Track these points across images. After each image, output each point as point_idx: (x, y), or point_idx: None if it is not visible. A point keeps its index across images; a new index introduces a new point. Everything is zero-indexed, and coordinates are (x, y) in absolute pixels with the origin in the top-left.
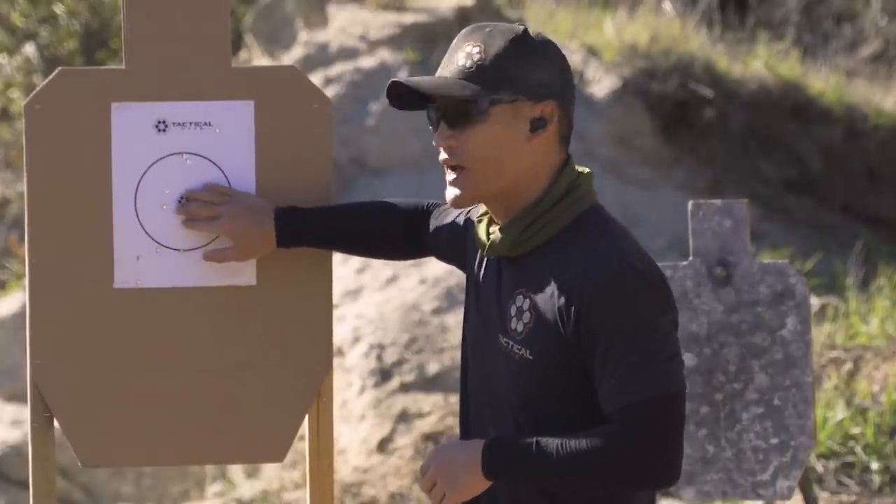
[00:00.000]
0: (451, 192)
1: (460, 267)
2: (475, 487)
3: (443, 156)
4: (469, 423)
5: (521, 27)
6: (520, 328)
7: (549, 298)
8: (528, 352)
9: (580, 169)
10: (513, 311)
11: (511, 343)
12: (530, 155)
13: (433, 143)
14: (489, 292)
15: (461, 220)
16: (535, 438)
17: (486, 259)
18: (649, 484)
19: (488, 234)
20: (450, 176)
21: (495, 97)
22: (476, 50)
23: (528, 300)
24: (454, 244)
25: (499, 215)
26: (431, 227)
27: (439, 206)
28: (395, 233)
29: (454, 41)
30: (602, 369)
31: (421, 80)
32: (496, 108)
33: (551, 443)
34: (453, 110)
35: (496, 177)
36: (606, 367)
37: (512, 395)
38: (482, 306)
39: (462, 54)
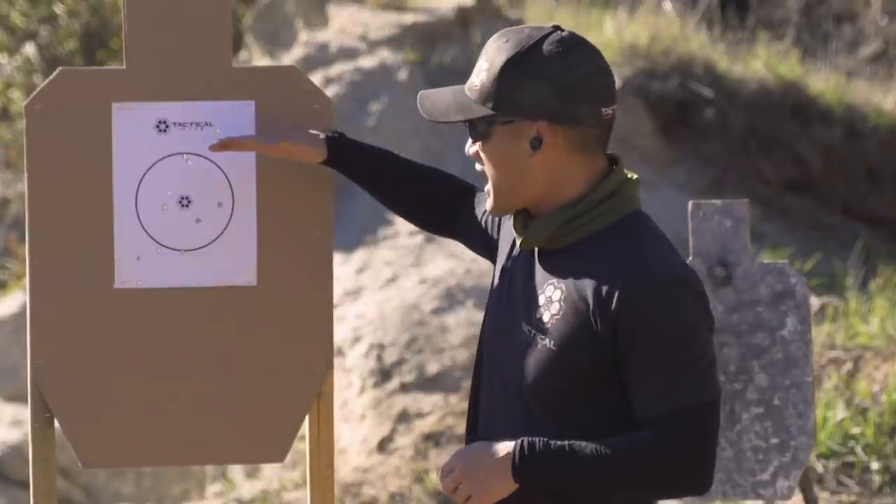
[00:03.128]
0: (487, 202)
1: (488, 255)
2: (502, 490)
3: (477, 166)
4: (478, 413)
5: (546, 31)
6: (546, 318)
7: (584, 294)
8: (551, 342)
9: (629, 175)
10: (541, 300)
11: (534, 331)
12: (542, 169)
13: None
14: (518, 282)
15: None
16: (566, 441)
17: (519, 250)
18: (685, 491)
19: (524, 225)
20: (486, 186)
21: (493, 119)
22: (485, 67)
23: (558, 291)
24: (486, 232)
25: (535, 212)
26: (469, 207)
27: (480, 191)
28: (436, 196)
29: (489, 41)
30: (639, 374)
31: (426, 100)
32: (496, 128)
33: (585, 447)
34: (469, 126)
35: (515, 190)
36: (645, 372)
37: (526, 384)
38: (508, 295)
39: (476, 69)
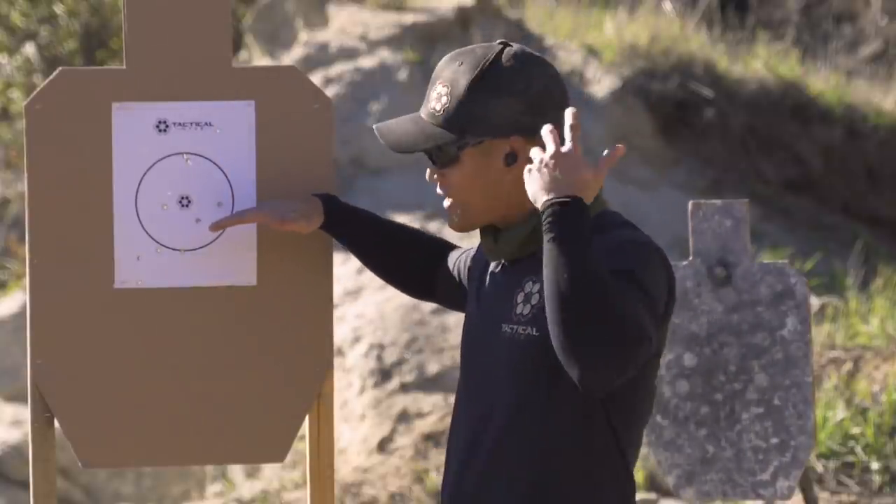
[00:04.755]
0: (449, 220)
1: (459, 306)
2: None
3: (438, 189)
4: (460, 423)
5: (497, 48)
6: (526, 311)
7: None
8: (534, 329)
9: None
10: (520, 297)
11: (515, 327)
12: (515, 183)
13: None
14: (492, 291)
15: (469, 254)
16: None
17: (490, 269)
18: (605, 347)
19: (495, 238)
20: (445, 202)
21: (462, 142)
22: (444, 91)
23: (537, 284)
24: (462, 284)
25: (503, 225)
26: (445, 269)
27: (454, 249)
28: (417, 266)
29: (438, 67)
30: None
31: (389, 133)
32: (466, 151)
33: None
34: (432, 152)
35: (486, 207)
36: None
37: (514, 378)
38: (483, 309)
39: (434, 94)
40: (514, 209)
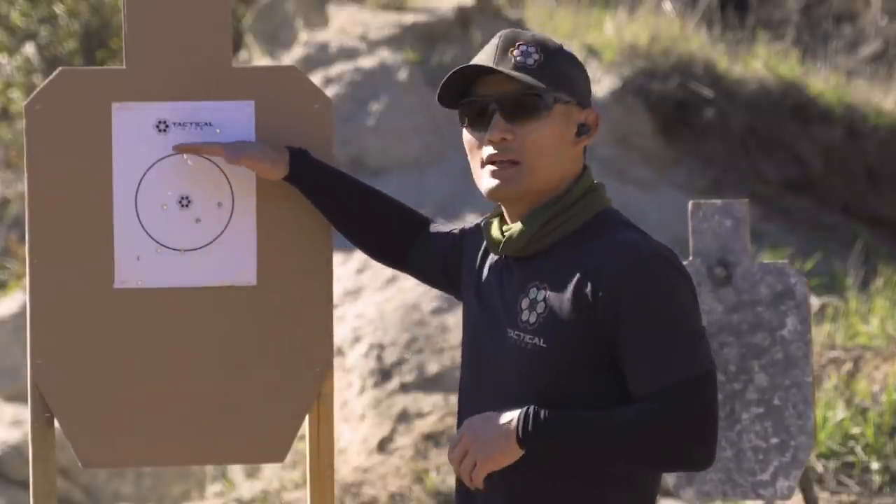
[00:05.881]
0: (493, 183)
1: (445, 285)
2: (508, 456)
3: (490, 151)
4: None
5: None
6: (532, 319)
7: (569, 288)
8: (541, 340)
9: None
10: (525, 303)
11: (522, 335)
12: (572, 157)
13: (487, 138)
14: (494, 291)
15: (458, 233)
16: (571, 409)
17: (489, 262)
18: (687, 463)
19: (502, 232)
20: (493, 168)
21: (557, 95)
22: (533, 49)
23: (542, 292)
24: (445, 264)
25: (515, 215)
26: (424, 240)
27: (434, 223)
28: (392, 229)
29: (495, 41)
30: (635, 352)
31: (498, 67)
32: (557, 105)
33: (590, 415)
34: (515, 104)
35: (547, 173)
36: (640, 349)
37: (521, 389)
38: (487, 306)
39: (517, 52)
40: (550, 187)
